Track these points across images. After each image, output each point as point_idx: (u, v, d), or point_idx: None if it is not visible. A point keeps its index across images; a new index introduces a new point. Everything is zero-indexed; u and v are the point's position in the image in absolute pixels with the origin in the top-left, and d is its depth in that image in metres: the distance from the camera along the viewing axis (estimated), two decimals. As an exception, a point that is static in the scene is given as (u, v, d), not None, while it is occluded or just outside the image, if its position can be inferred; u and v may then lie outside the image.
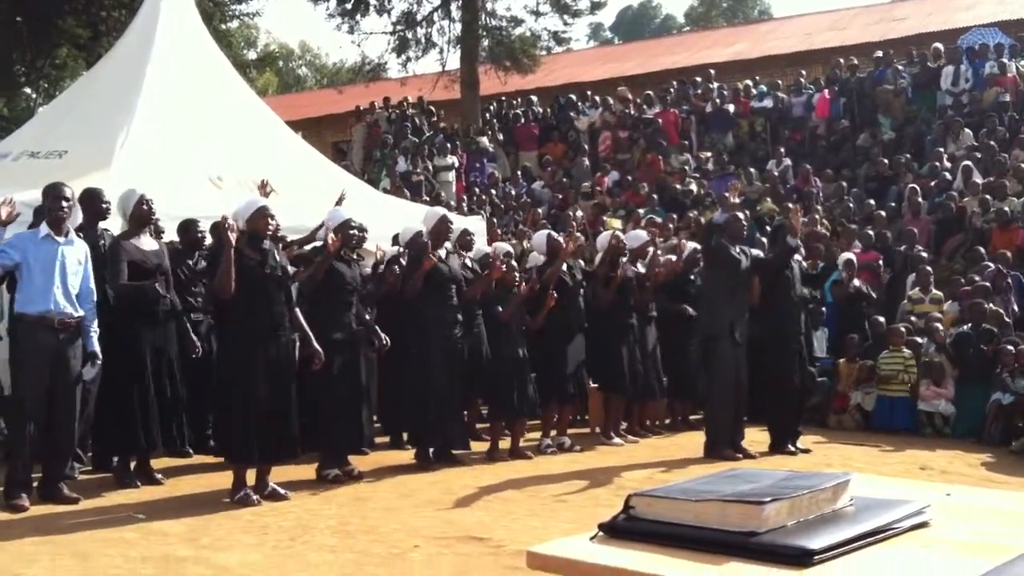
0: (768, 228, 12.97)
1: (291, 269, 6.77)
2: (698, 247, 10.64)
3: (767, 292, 8.64)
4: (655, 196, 15.88)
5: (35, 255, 6.12)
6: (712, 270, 8.76)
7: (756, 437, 8.72)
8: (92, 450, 7.33)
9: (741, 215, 9.13)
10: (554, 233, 9.51)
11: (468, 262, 8.75)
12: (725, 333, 8.33)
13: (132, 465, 7.01)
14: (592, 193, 16.73)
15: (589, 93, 20.75)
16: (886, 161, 15.02)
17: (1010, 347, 9.60)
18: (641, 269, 9.50)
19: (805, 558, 1.55)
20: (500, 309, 8.25)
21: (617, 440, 9.14)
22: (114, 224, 7.28)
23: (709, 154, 17.26)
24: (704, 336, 8.64)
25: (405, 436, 8.59)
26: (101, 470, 7.27)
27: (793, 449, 8.62)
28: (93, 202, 7.07)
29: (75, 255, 6.32)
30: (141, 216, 6.96)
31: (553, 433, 8.83)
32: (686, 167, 16.79)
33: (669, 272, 9.66)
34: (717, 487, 1.79)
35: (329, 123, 26.04)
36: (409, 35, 24.52)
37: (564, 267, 8.75)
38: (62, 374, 6.22)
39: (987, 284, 10.64)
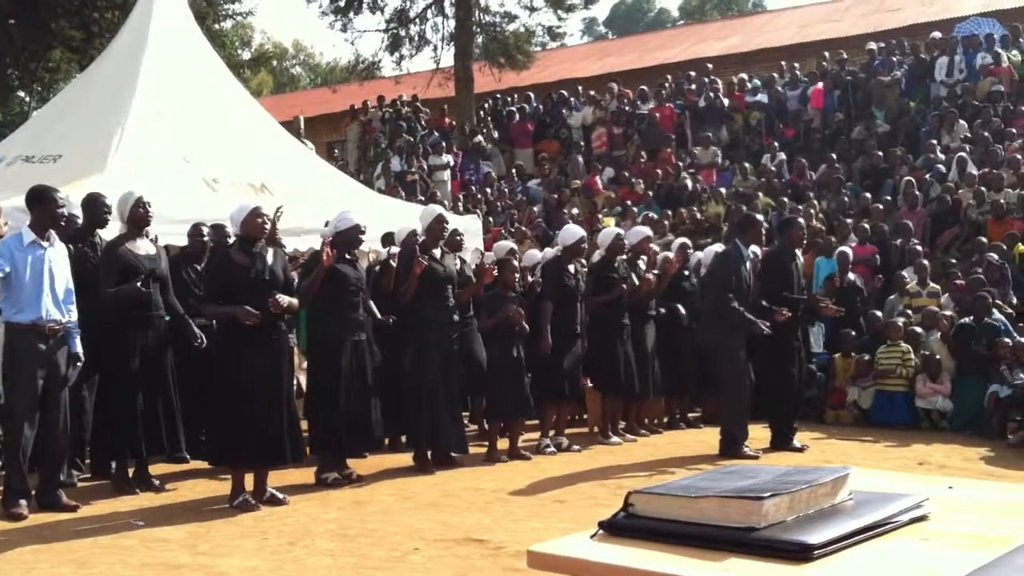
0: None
1: (280, 272, 6.68)
2: (689, 243, 10.66)
3: (768, 290, 8.60)
4: (650, 193, 15.89)
5: (23, 262, 6.05)
6: (723, 273, 8.61)
7: (756, 434, 8.70)
8: (90, 457, 7.30)
9: (760, 217, 9.20)
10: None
11: (457, 263, 8.73)
12: (740, 333, 8.31)
13: (130, 472, 6.98)
14: (584, 191, 16.71)
15: (581, 89, 20.75)
16: (880, 154, 15.02)
17: (1007, 340, 9.60)
18: (642, 266, 9.50)
19: (805, 552, 1.55)
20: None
21: (615, 439, 9.13)
22: (111, 229, 7.25)
23: (711, 149, 17.19)
24: (717, 337, 8.53)
25: (404, 439, 8.60)
26: (99, 477, 7.26)
27: (798, 445, 8.60)
28: (96, 208, 7.04)
29: (59, 259, 6.28)
30: (138, 219, 6.91)
31: (552, 433, 8.82)
32: (695, 160, 16.73)
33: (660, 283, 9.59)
34: (716, 483, 1.78)
35: (323, 123, 26.00)
36: (402, 33, 24.47)
37: (571, 268, 8.79)
38: (53, 380, 6.19)
39: (982, 276, 10.62)
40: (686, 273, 10.08)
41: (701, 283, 9.86)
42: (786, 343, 8.57)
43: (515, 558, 4.99)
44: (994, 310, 10.02)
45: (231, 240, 7.62)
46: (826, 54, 18.59)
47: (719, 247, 10.47)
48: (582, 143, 18.97)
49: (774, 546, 1.58)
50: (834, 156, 15.72)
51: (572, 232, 9.15)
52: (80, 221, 7.12)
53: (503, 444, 8.43)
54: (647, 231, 10.10)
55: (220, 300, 6.39)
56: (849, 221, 12.97)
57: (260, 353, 6.33)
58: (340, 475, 7.20)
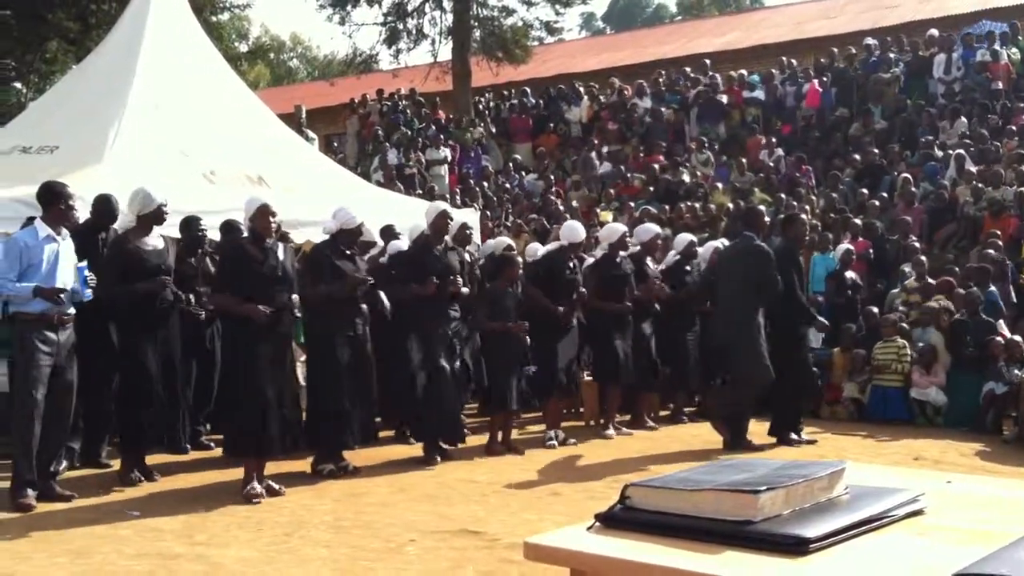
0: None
1: (290, 268, 6.72)
2: (694, 239, 10.61)
3: (786, 284, 8.55)
4: (651, 188, 15.86)
5: (38, 255, 6.15)
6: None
7: (754, 428, 8.69)
8: (81, 447, 7.31)
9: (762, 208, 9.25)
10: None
11: (467, 256, 8.74)
12: (758, 325, 8.31)
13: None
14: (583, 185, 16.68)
15: (575, 84, 20.74)
16: (876, 150, 15.01)
17: (999, 338, 9.61)
18: (650, 264, 9.55)
19: (801, 546, 1.55)
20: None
21: (610, 432, 9.13)
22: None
23: (705, 153, 17.08)
24: (735, 331, 8.40)
25: (408, 431, 8.64)
26: (90, 466, 7.27)
27: (796, 439, 8.59)
28: (107, 207, 7.12)
29: (69, 252, 6.36)
30: (158, 216, 6.92)
31: (541, 427, 8.84)
32: (688, 161, 16.70)
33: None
34: (713, 477, 1.79)
35: (322, 115, 25.91)
36: (400, 26, 24.42)
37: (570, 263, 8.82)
38: (60, 371, 6.23)
39: (987, 267, 10.62)
40: (687, 268, 10.06)
41: (707, 280, 9.87)
42: (798, 338, 8.63)
43: (510, 550, 5.00)
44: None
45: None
46: (835, 50, 18.50)
47: (723, 242, 10.47)
48: (595, 140, 18.80)
49: (770, 539, 1.58)
50: (831, 152, 15.69)
51: (574, 229, 9.20)
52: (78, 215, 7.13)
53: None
54: (656, 229, 10.08)
55: (230, 292, 6.44)
56: (850, 217, 12.96)
57: (266, 346, 6.36)
58: (336, 466, 7.21)
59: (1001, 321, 9.94)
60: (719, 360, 9.07)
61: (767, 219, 9.05)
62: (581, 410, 10.14)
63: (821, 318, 9.13)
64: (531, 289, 8.61)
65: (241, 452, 6.56)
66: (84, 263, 6.34)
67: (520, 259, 8.98)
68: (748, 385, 8.47)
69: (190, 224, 8.14)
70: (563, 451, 8.39)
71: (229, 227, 8.06)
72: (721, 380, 9.41)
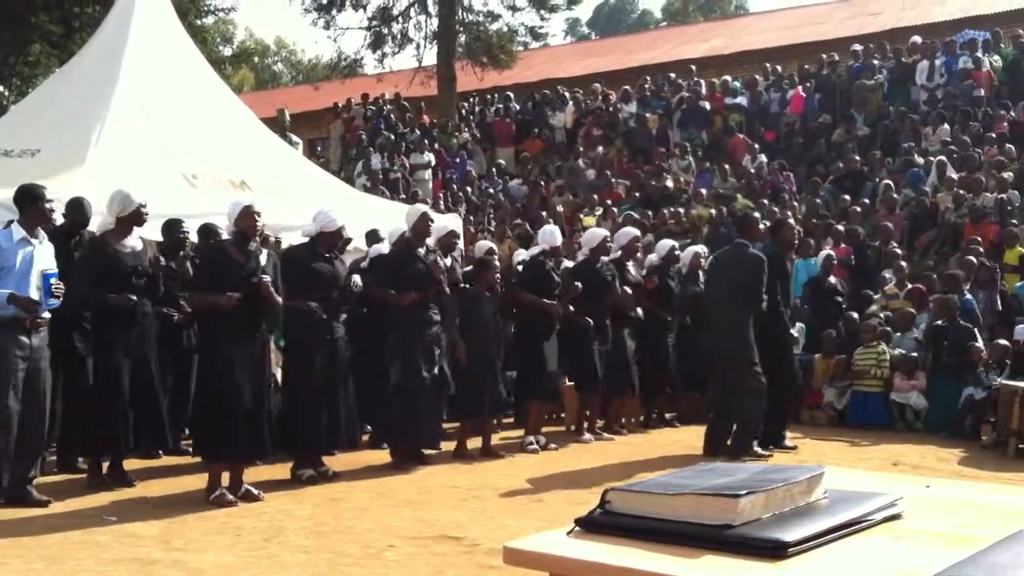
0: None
1: (270, 274, 6.65)
2: (676, 244, 10.65)
3: (773, 290, 8.55)
4: (636, 194, 15.89)
5: (12, 258, 6.08)
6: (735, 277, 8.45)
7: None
8: (57, 452, 7.25)
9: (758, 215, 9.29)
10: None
11: (450, 263, 8.73)
12: (750, 332, 8.28)
13: (104, 467, 6.92)
14: (573, 192, 16.68)
15: (560, 89, 20.78)
16: (857, 157, 15.09)
17: (979, 344, 9.66)
18: (631, 268, 9.55)
19: (780, 550, 1.55)
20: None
21: (588, 436, 9.12)
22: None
23: (687, 159, 17.11)
24: (733, 340, 8.31)
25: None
26: (66, 472, 7.21)
27: (774, 448, 8.59)
28: (80, 211, 7.09)
29: (46, 255, 6.28)
30: (137, 218, 6.82)
31: (522, 432, 8.83)
32: (674, 166, 16.74)
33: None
34: (693, 481, 1.78)
35: (306, 120, 25.87)
36: (385, 31, 24.43)
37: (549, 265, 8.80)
38: (33, 375, 6.16)
39: (960, 272, 10.70)
40: (670, 273, 10.08)
41: (689, 290, 9.89)
42: (785, 343, 8.66)
43: (490, 555, 4.99)
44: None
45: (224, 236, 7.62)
46: (823, 56, 18.62)
47: (700, 248, 10.53)
48: (580, 147, 18.81)
49: (749, 543, 1.58)
50: (813, 159, 15.77)
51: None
52: (55, 217, 7.09)
53: (477, 442, 8.42)
54: (635, 232, 10.10)
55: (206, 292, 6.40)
56: (832, 223, 13.05)
57: (242, 350, 6.32)
58: (316, 472, 7.18)
59: (976, 330, 9.99)
60: (709, 368, 9.06)
61: (761, 226, 9.06)
62: (562, 415, 10.13)
63: (794, 332, 9.16)
64: (523, 295, 8.59)
65: (213, 455, 6.53)
66: (54, 272, 6.23)
67: (498, 263, 8.94)
68: (740, 394, 8.42)
69: (172, 227, 8.09)
70: (544, 456, 8.39)
71: (207, 230, 8.02)
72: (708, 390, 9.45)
